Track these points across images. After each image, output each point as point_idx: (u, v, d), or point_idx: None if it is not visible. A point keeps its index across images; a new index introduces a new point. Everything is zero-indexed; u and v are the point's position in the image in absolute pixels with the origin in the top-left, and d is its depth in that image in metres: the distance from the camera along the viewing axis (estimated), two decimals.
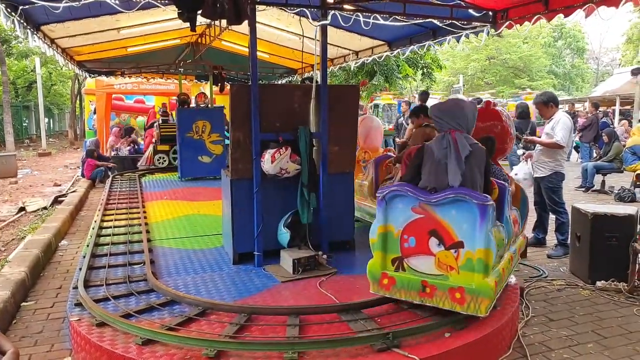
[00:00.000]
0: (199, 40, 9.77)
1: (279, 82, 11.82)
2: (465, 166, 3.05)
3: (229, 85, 12.16)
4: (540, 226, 5.71)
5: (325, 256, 4.26)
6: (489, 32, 5.17)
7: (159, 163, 10.71)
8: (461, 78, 31.87)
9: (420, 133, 4.89)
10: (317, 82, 4.37)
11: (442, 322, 3.02)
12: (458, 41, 5.66)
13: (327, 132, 4.33)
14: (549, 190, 5.28)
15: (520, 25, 4.70)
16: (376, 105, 19.28)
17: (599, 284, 4.34)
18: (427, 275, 3.09)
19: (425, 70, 20.92)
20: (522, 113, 9.02)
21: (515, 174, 5.38)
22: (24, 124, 28.56)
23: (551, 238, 5.72)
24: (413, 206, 3.10)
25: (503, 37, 35.41)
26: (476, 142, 3.18)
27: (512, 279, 3.94)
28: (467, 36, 5.49)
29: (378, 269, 3.23)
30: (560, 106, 16.26)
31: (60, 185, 10.96)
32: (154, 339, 2.85)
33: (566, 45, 44.99)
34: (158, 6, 4.90)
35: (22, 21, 4.85)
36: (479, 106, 3.99)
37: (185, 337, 2.82)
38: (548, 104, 5.28)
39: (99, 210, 6.56)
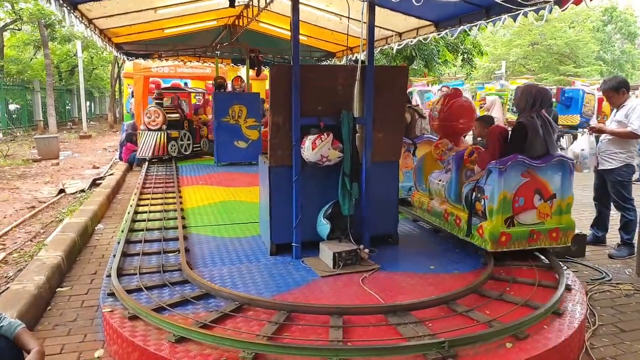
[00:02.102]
0: (236, 22, 9.57)
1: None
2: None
3: (267, 68, 11.98)
4: (601, 223, 5.26)
5: (367, 250, 3.99)
6: (551, 9, 4.69)
7: (172, 151, 9.76)
8: (504, 64, 30.63)
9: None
10: (362, 62, 4.06)
11: (502, 331, 2.72)
12: (515, 20, 5.20)
13: (371, 118, 4.03)
14: (617, 185, 4.82)
15: (591, 0, 4.21)
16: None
17: None
18: (532, 225, 3.88)
19: (465, 56, 20.16)
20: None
21: (582, 149, 4.92)
22: (67, 107, 29.32)
23: (611, 236, 5.28)
24: (522, 172, 3.82)
25: (548, 21, 33.84)
26: None
27: (576, 282, 3.59)
28: (525, 14, 5.02)
29: (499, 230, 3.77)
30: None
31: (98, 167, 11.06)
32: (188, 337, 2.67)
33: (616, 30, 42.66)
34: None
35: None
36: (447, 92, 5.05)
37: (221, 337, 2.61)
38: (619, 90, 4.79)
39: (135, 194, 6.49)
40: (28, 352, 2.13)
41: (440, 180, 4.58)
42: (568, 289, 3.40)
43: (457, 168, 4.33)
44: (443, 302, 3.15)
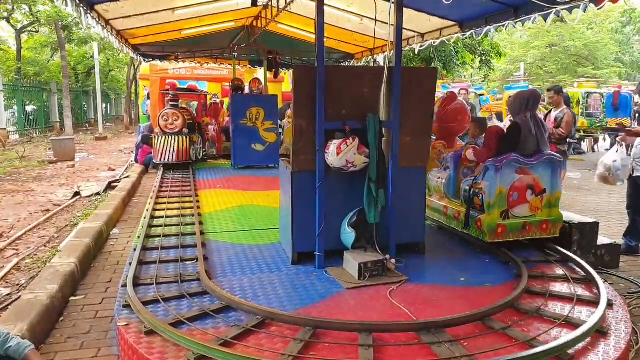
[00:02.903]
0: (254, 23, 9.44)
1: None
2: None
3: (284, 70, 11.74)
4: (634, 232, 5.02)
5: (393, 261, 3.80)
6: (586, 8, 4.45)
7: (193, 156, 9.31)
8: (522, 66, 30.19)
9: None
10: (389, 63, 3.87)
11: (545, 352, 2.49)
12: (546, 20, 4.96)
13: (398, 121, 3.84)
14: None
15: None
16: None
17: None
18: (525, 217, 4.19)
19: (483, 58, 19.82)
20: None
21: (614, 161, 4.88)
22: (83, 109, 29.56)
23: None
24: (516, 169, 4.12)
25: (566, 22, 33.17)
26: None
27: (617, 297, 3.35)
28: (557, 14, 4.79)
29: (495, 222, 4.07)
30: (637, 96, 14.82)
31: (114, 170, 11.01)
32: (208, 355, 2.49)
33: (635, 32, 41.85)
34: None
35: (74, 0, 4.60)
36: (442, 96, 5.43)
37: (243, 356, 2.44)
38: None
39: (151, 198, 6.36)
40: None
41: (439, 178, 4.87)
42: (610, 304, 3.16)
43: (455, 166, 4.64)
44: (478, 319, 2.93)
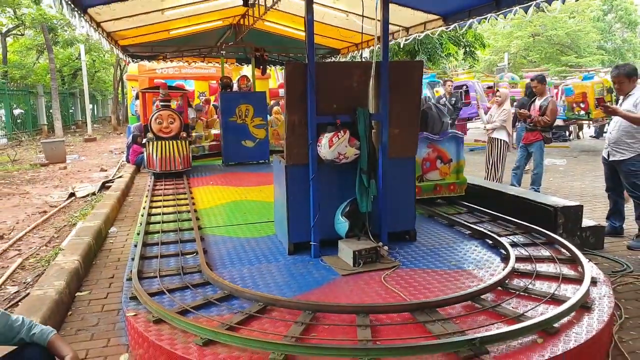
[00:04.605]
0: (241, 21, 9.53)
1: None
2: None
3: (271, 68, 11.77)
4: (617, 213, 5.23)
5: (386, 248, 3.97)
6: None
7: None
8: (506, 57, 30.51)
9: None
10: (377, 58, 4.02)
11: (532, 326, 2.67)
12: (526, 12, 5.13)
13: (387, 114, 4.00)
14: (630, 175, 4.80)
15: None
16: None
17: None
18: (436, 180, 5.47)
19: (467, 49, 20.03)
20: (532, 93, 8.64)
21: None
22: (70, 111, 29.34)
23: (628, 227, 5.24)
24: (427, 144, 5.37)
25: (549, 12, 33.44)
26: None
27: (600, 275, 3.55)
28: (537, 6, 4.96)
29: None
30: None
31: (106, 170, 11.06)
32: (215, 340, 2.64)
33: (617, 19, 42.40)
34: None
35: (69, 3, 4.68)
36: None
37: (249, 338, 2.59)
38: (631, 77, 4.75)
39: (147, 196, 6.47)
40: (62, 358, 2.12)
41: None
42: (593, 281, 3.35)
43: None
44: (469, 298, 3.11)
